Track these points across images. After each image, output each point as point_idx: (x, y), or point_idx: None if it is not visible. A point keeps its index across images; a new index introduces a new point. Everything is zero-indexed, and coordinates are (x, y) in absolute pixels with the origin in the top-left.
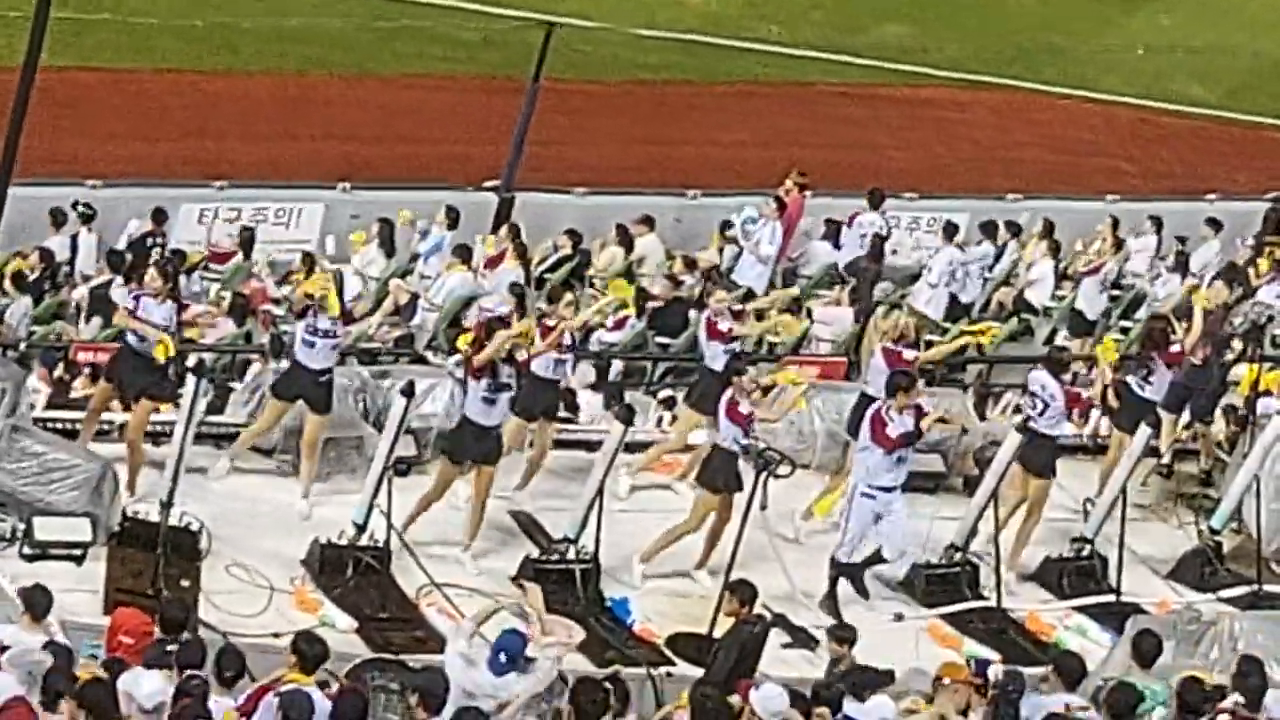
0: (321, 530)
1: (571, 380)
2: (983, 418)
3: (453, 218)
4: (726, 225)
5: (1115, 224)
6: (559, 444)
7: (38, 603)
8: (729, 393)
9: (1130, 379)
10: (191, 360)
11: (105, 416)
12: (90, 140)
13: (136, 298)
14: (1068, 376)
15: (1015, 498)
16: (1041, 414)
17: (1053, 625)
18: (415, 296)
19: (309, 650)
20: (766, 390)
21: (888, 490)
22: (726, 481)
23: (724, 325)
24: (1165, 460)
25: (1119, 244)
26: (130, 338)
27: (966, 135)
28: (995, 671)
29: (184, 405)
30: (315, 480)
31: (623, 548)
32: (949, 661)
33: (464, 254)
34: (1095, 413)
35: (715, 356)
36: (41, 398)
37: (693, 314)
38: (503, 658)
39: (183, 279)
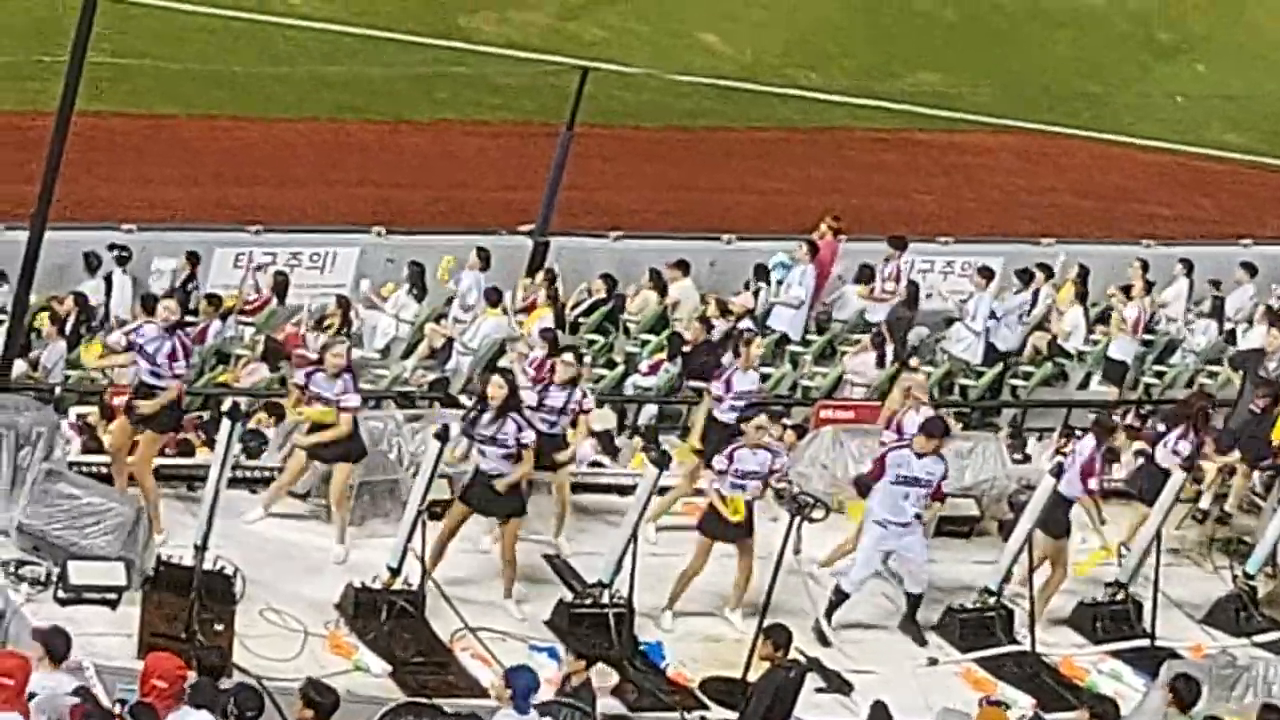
0: (355, 574)
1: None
2: (1017, 460)
3: (484, 259)
4: (761, 270)
5: (1145, 267)
6: (594, 488)
7: (56, 646)
8: (738, 441)
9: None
10: (226, 404)
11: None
12: (125, 185)
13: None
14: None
15: (1038, 556)
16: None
17: (1087, 670)
18: (450, 340)
19: (323, 700)
20: (800, 433)
21: (900, 525)
22: (717, 528)
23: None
24: (1205, 506)
25: (1148, 286)
26: (145, 375)
27: (997, 180)
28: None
29: (218, 449)
30: (350, 525)
31: (657, 592)
32: (988, 709)
33: (495, 297)
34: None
35: (724, 409)
36: (76, 442)
37: (726, 359)
38: (533, 699)
39: (217, 323)
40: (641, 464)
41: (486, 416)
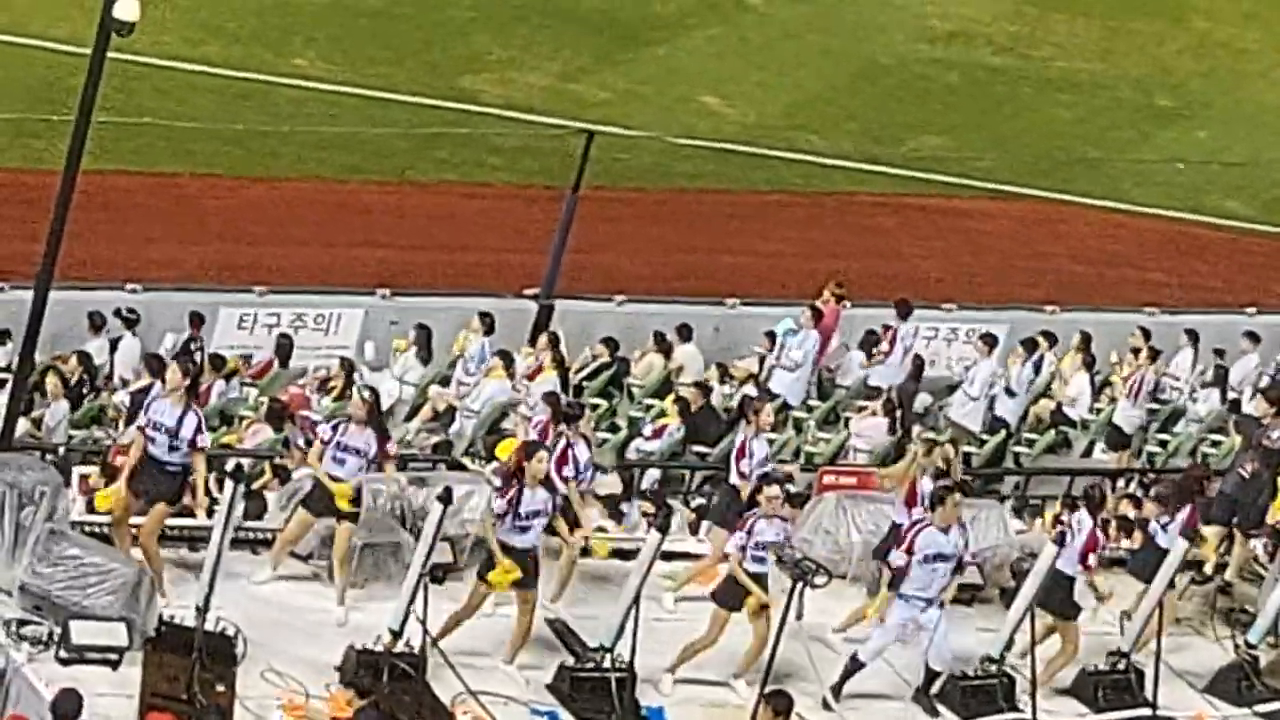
0: (357, 636)
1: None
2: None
3: (487, 323)
4: (770, 337)
5: (1147, 335)
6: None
7: (65, 710)
8: (753, 512)
9: (1152, 522)
10: (229, 466)
11: (135, 521)
12: (130, 244)
13: (151, 400)
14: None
15: (1044, 629)
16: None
17: None
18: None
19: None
20: (800, 503)
21: (926, 600)
22: (736, 600)
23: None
24: (1209, 572)
25: (1154, 355)
26: (150, 447)
27: (998, 246)
28: None
29: (220, 510)
30: (352, 587)
31: (659, 657)
32: None
33: (505, 359)
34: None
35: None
36: (80, 502)
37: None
38: None
39: (221, 383)
40: None
41: (529, 493)
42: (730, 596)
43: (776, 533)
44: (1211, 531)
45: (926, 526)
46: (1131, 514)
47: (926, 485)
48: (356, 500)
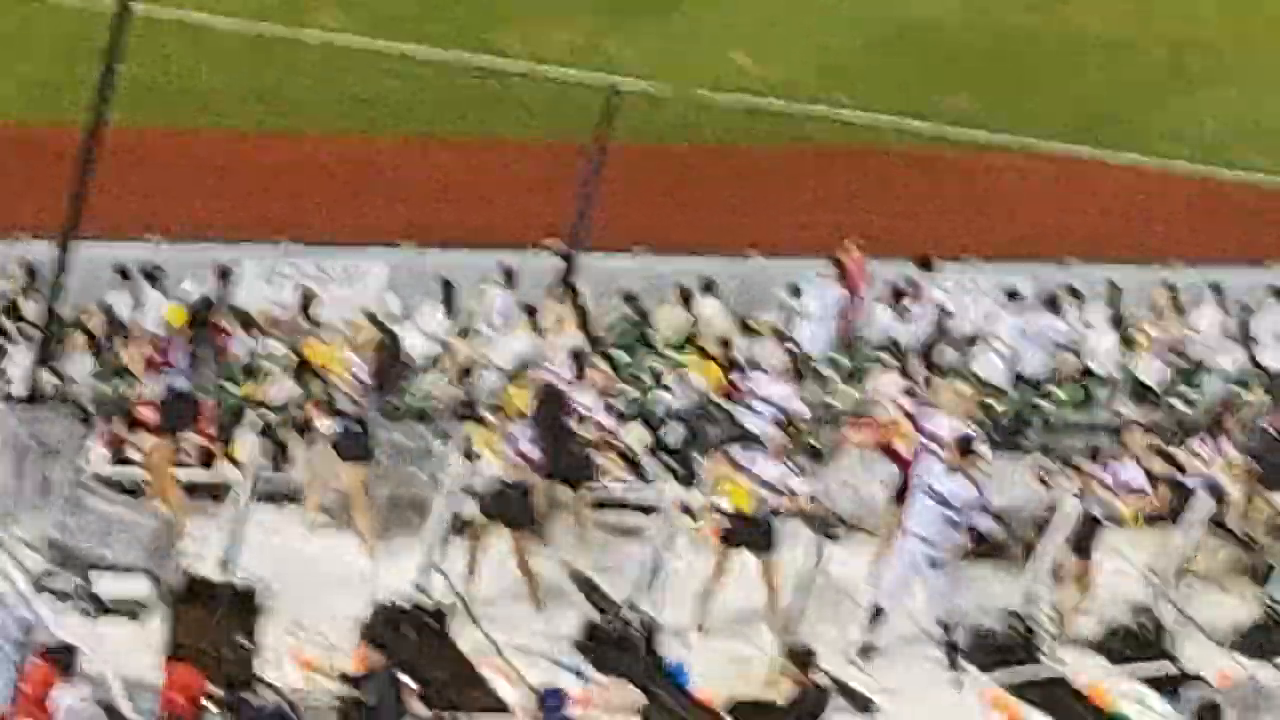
0: (382, 590)
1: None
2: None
3: (508, 276)
4: (795, 291)
5: (1172, 290)
6: (621, 505)
7: (61, 660)
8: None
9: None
10: (252, 418)
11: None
12: (154, 200)
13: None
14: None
15: (1065, 576)
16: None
17: (1112, 694)
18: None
19: None
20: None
21: (934, 544)
22: (742, 539)
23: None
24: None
25: (1179, 310)
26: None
27: (1025, 202)
28: None
29: (246, 464)
30: (376, 540)
31: (682, 611)
32: None
33: (530, 314)
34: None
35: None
36: (104, 455)
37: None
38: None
39: (244, 336)
40: None
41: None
42: (729, 532)
43: (777, 476)
44: (1236, 488)
45: (929, 455)
46: (1158, 469)
47: (942, 423)
48: None
